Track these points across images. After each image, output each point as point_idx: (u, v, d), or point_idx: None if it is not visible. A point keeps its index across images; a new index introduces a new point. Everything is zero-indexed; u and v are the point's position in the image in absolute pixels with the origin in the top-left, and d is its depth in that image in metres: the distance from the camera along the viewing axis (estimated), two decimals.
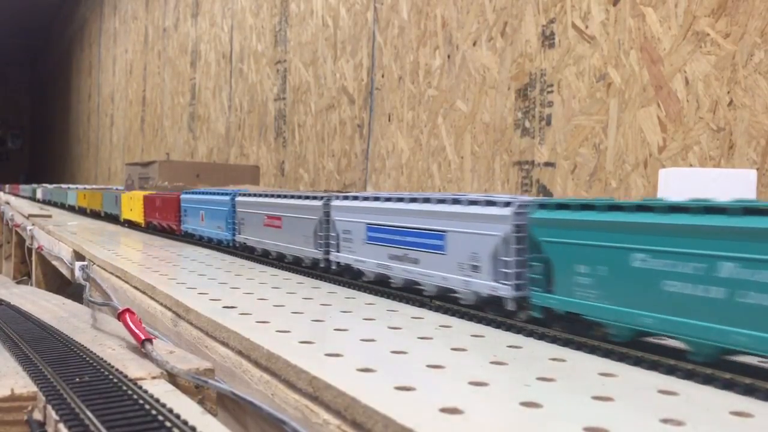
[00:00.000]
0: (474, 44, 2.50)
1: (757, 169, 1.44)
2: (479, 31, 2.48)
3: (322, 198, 1.44)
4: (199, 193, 2.19)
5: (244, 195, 1.85)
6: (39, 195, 6.59)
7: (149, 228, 2.77)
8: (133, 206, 2.97)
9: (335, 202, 1.39)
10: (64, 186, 6.50)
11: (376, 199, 1.27)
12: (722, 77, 1.66)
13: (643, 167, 1.87)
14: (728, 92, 1.65)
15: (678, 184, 1.23)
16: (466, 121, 2.54)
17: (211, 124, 5.43)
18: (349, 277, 1.37)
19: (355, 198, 1.34)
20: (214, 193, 2.05)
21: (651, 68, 1.85)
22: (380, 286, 1.27)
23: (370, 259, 1.27)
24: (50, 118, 15.27)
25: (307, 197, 1.50)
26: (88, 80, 11.17)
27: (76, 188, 5.13)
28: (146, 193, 2.82)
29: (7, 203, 5.21)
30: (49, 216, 3.62)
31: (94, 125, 10.63)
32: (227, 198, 1.91)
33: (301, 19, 3.92)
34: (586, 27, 2.05)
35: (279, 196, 1.64)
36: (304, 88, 3.88)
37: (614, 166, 1.95)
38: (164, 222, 2.53)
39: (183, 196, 2.31)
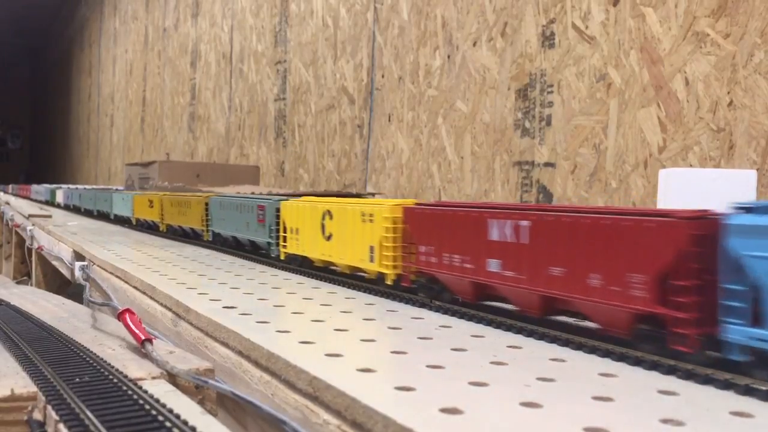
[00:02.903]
0: (474, 44, 2.50)
1: (757, 170, 1.44)
2: (479, 32, 2.48)
3: None
4: None
5: None
6: (60, 199, 4.86)
7: (397, 287, 1.20)
8: (334, 230, 1.40)
9: None
10: (91, 187, 5.11)
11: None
12: (722, 77, 1.66)
13: (643, 167, 1.87)
14: (728, 92, 1.65)
15: (678, 184, 1.23)
16: (466, 121, 2.54)
17: (211, 124, 5.43)
18: None
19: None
20: None
21: (651, 68, 1.85)
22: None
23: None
24: (50, 118, 15.27)
25: None
26: (88, 80, 11.17)
27: (132, 193, 3.19)
28: (406, 203, 1.19)
29: (7, 203, 5.20)
30: (49, 216, 3.61)
31: (94, 125, 10.63)
32: None
33: (301, 20, 3.92)
34: (586, 27, 2.05)
35: None
36: (304, 88, 3.88)
37: (614, 166, 1.95)
38: (573, 294, 0.86)
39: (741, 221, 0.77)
